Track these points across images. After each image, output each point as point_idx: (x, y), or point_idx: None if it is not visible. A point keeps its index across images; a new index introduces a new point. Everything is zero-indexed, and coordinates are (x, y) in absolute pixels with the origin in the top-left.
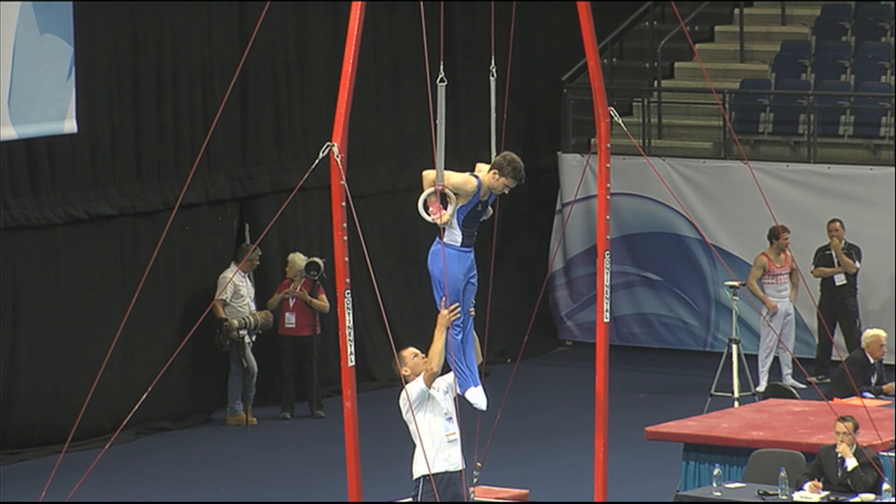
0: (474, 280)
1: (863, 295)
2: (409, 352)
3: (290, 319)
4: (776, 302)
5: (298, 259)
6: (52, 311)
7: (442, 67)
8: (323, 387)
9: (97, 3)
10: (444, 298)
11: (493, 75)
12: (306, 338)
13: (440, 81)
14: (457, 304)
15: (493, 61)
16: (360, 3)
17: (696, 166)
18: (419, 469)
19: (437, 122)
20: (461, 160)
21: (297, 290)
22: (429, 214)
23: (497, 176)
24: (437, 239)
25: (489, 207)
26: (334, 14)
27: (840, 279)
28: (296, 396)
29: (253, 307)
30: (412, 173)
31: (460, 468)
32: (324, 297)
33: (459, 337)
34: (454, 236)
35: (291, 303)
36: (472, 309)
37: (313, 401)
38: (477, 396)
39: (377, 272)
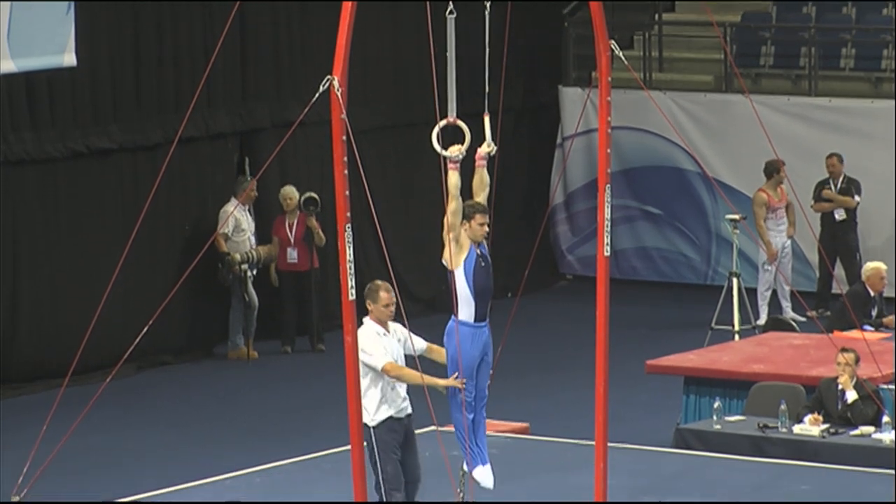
0: (489, 358)
1: (863, 230)
2: (385, 288)
3: (291, 255)
4: (775, 236)
5: (292, 192)
6: (52, 246)
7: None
8: (323, 321)
9: None
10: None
11: (486, 8)
12: (305, 272)
13: (449, 13)
14: (464, 379)
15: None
16: None
17: (697, 100)
18: (377, 414)
19: (448, 54)
20: (461, 95)
21: (294, 224)
22: (444, 149)
23: (468, 224)
24: (453, 317)
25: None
26: None
27: (840, 214)
28: (297, 331)
29: (254, 241)
30: (413, 108)
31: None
32: (320, 231)
33: (472, 417)
34: (468, 310)
35: (292, 237)
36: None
37: (314, 335)
38: (485, 476)
39: (377, 206)
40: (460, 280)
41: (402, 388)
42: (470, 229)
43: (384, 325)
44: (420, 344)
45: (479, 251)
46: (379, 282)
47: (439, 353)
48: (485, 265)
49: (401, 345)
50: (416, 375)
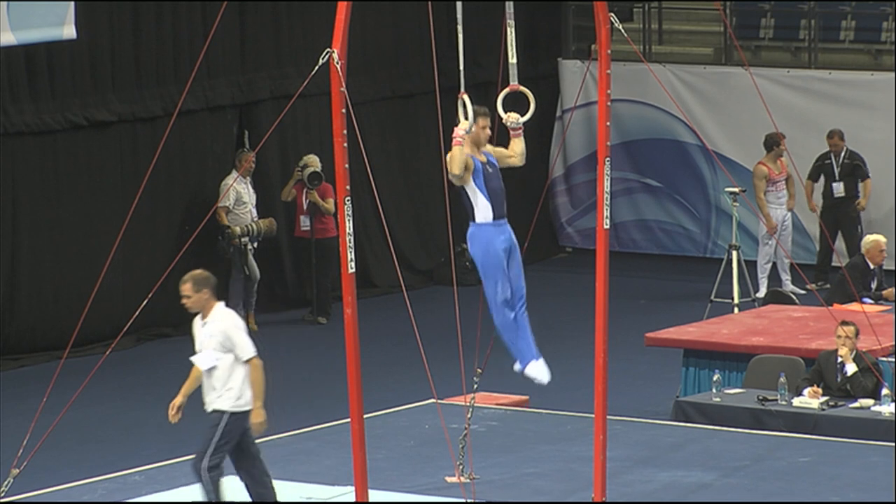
0: (518, 255)
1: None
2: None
3: (304, 222)
4: (775, 209)
5: (314, 160)
6: (52, 218)
7: None
8: (321, 292)
9: None
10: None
11: None
12: (317, 241)
13: None
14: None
15: None
16: None
17: (697, 72)
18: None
19: (458, 27)
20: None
21: (304, 194)
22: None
23: (468, 129)
24: (471, 223)
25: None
26: None
27: (839, 190)
28: (300, 300)
29: (255, 214)
30: (412, 79)
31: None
32: (331, 200)
33: (512, 315)
34: (486, 213)
35: (305, 205)
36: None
37: (313, 306)
38: (539, 371)
39: (376, 178)
40: (473, 191)
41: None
42: (473, 135)
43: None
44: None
45: (483, 159)
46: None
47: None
48: (492, 170)
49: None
50: (260, 384)
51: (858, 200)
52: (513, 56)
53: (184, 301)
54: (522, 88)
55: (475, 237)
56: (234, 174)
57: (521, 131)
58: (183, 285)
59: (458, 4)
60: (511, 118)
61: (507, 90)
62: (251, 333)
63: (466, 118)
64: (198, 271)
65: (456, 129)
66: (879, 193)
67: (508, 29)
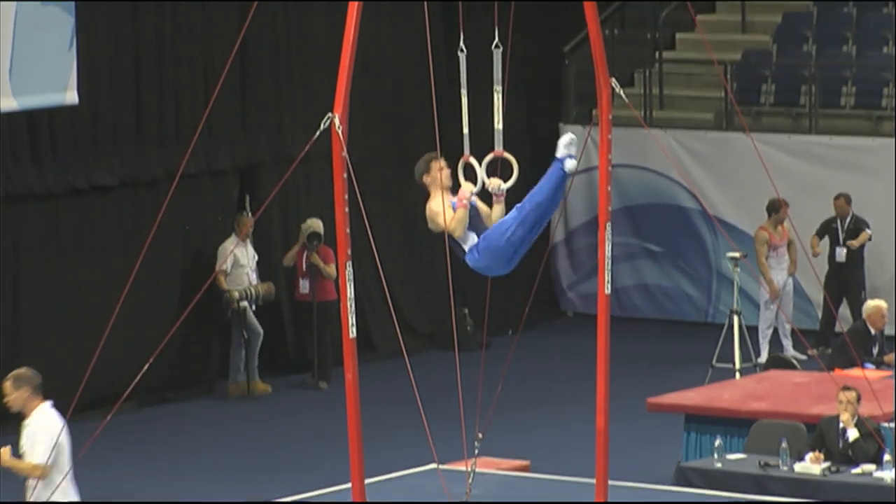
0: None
1: (868, 268)
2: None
3: (304, 286)
4: (777, 274)
5: (316, 224)
6: (53, 281)
7: (462, 38)
8: (322, 356)
9: None
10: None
11: (498, 47)
12: (318, 303)
13: (460, 51)
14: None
15: (496, 34)
16: None
17: (698, 137)
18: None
19: (463, 91)
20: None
21: (305, 257)
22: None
23: (429, 178)
24: (464, 254)
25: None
26: None
27: (841, 256)
28: (301, 365)
29: (254, 276)
30: (414, 142)
31: None
32: (332, 264)
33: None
34: (474, 238)
35: (305, 267)
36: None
37: (314, 371)
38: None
39: (377, 240)
40: (465, 237)
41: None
42: (435, 180)
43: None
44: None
45: (465, 204)
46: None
47: None
48: (474, 213)
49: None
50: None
51: (850, 242)
52: (499, 122)
53: (5, 399)
54: (507, 155)
55: (475, 256)
56: (233, 238)
57: (503, 197)
58: (4, 383)
59: (463, 68)
60: (493, 184)
61: (490, 156)
62: (263, 396)
63: (467, 180)
64: (21, 370)
65: (461, 191)
66: (881, 259)
67: (496, 95)
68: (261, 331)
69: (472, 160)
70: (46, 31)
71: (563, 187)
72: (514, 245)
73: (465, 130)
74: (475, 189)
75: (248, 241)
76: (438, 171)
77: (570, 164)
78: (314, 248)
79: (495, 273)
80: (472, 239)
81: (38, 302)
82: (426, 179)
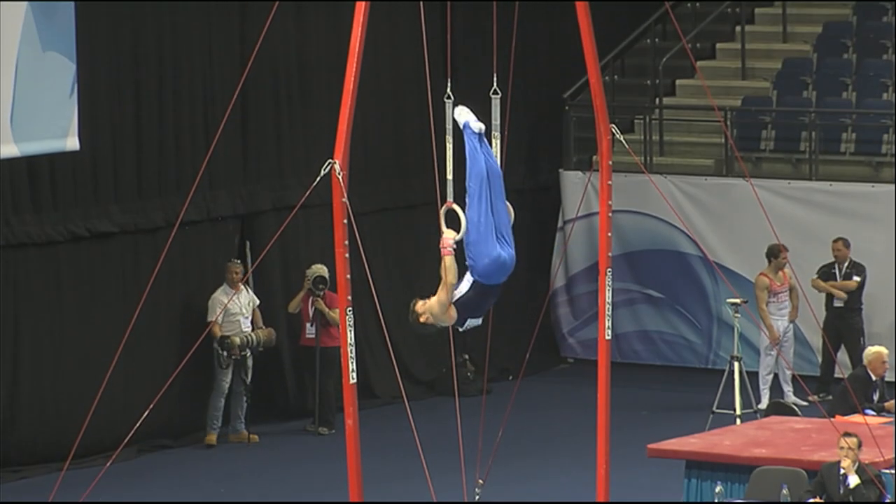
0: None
1: (867, 314)
2: None
3: (310, 331)
4: (777, 320)
5: (320, 270)
6: (53, 329)
7: (448, 85)
8: (323, 402)
9: (99, 21)
10: None
11: (496, 93)
12: (321, 349)
13: (446, 98)
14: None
15: (495, 80)
16: (363, 3)
17: (698, 183)
18: None
19: (448, 138)
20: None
21: (311, 302)
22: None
23: (421, 314)
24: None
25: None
26: (336, 31)
27: (839, 302)
28: (302, 411)
29: (246, 323)
30: (414, 189)
31: None
32: (337, 310)
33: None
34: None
35: (311, 313)
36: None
37: (315, 417)
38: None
39: (378, 287)
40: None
41: None
42: (428, 308)
43: None
44: None
45: (450, 251)
46: None
47: None
48: (470, 290)
49: None
50: None
51: (837, 292)
52: (450, 172)
53: None
54: (455, 207)
55: (472, 264)
56: (224, 288)
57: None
58: None
59: (449, 115)
60: (448, 234)
61: (445, 207)
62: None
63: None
64: None
65: (444, 238)
66: (881, 306)
67: (494, 141)
68: (249, 378)
69: (455, 206)
70: (48, 78)
71: (483, 145)
72: (488, 221)
73: (450, 177)
74: (458, 236)
75: (246, 287)
76: (423, 307)
77: (475, 125)
78: (320, 292)
79: (503, 267)
80: (464, 279)
81: (38, 349)
82: (421, 319)
